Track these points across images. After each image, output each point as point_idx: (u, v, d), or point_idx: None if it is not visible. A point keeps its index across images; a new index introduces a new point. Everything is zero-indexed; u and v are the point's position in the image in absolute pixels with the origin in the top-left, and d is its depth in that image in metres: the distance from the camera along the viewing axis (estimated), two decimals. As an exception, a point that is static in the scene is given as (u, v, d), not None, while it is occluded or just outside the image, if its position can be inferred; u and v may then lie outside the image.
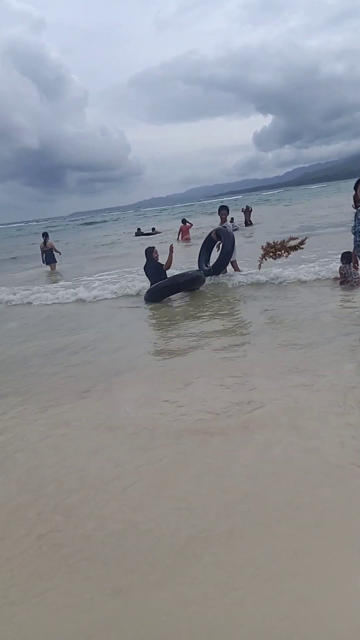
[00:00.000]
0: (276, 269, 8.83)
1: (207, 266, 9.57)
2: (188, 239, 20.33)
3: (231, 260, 9.36)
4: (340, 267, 7.46)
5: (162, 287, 7.93)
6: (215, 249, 9.60)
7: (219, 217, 10.12)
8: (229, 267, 9.54)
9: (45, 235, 15.87)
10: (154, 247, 8.84)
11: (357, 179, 5.26)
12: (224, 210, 10.00)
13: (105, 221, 68.25)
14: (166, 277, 8.27)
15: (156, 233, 28.39)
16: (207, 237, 9.71)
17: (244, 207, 23.83)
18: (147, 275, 8.70)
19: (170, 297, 8.13)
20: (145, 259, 8.66)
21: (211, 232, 9.65)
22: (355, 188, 5.03)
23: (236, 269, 9.59)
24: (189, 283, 7.99)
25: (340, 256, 7.48)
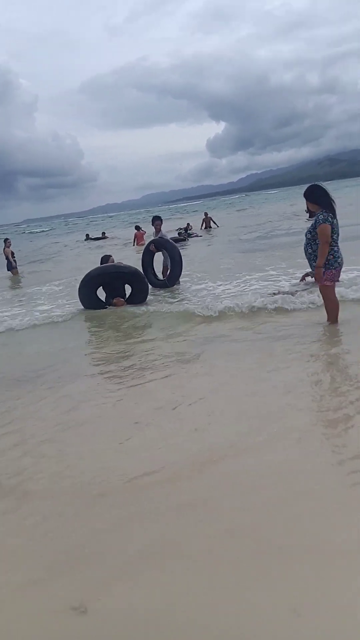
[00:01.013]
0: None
1: (157, 278, 9.19)
2: (143, 245, 19.92)
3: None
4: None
5: (97, 274, 7.72)
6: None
7: (153, 227, 9.86)
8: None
9: (6, 240, 15.77)
10: (110, 256, 8.42)
11: (306, 186, 5.02)
12: (157, 220, 9.75)
13: (51, 229, 66.41)
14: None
15: (105, 237, 28.24)
16: (145, 249, 9.31)
17: (204, 214, 25.14)
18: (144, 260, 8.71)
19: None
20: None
21: (149, 244, 9.29)
22: (306, 198, 4.89)
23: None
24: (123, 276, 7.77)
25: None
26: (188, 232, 21.86)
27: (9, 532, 2.32)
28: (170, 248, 9.00)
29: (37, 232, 62.68)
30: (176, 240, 19.85)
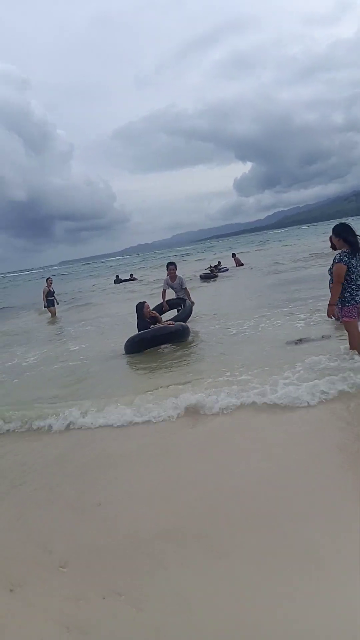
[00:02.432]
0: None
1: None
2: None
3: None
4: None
5: (140, 339, 7.34)
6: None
7: (167, 271, 9.71)
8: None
9: (48, 279, 16.32)
10: (144, 303, 8.10)
11: (335, 223, 5.26)
12: (171, 266, 9.61)
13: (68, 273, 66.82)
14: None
15: (134, 279, 28.22)
16: (158, 305, 9.23)
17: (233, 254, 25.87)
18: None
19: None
20: (137, 317, 7.95)
21: (161, 305, 9.18)
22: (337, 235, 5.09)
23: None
24: (170, 336, 7.33)
25: None
26: (219, 268, 22.63)
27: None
28: (183, 309, 8.90)
29: (68, 274, 64.11)
30: (207, 276, 20.61)
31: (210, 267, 22.74)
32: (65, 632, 1.91)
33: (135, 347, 7.35)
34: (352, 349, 5.20)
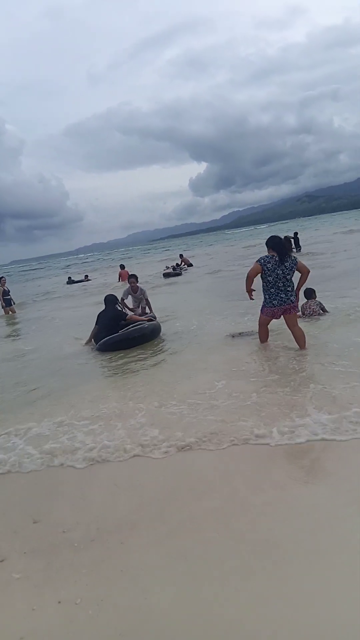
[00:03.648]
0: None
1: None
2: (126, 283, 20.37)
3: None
4: (303, 303, 7.69)
5: (116, 340, 7.43)
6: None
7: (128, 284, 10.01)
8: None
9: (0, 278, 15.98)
10: (114, 296, 8.34)
11: (288, 221, 5.76)
12: (132, 278, 9.91)
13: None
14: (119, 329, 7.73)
15: (88, 280, 27.92)
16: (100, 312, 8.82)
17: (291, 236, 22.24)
18: (97, 322, 8.10)
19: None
20: (104, 306, 8.17)
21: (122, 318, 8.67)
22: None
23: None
24: (144, 337, 7.52)
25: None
26: (180, 267, 23.40)
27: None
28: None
29: (25, 272, 62.83)
30: (174, 274, 20.95)
31: (171, 266, 23.16)
32: (18, 641, 1.89)
33: (110, 348, 7.37)
34: (261, 341, 6.22)
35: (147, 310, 9.58)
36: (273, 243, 5.81)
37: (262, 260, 5.75)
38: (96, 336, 7.89)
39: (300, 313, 7.52)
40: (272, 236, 5.97)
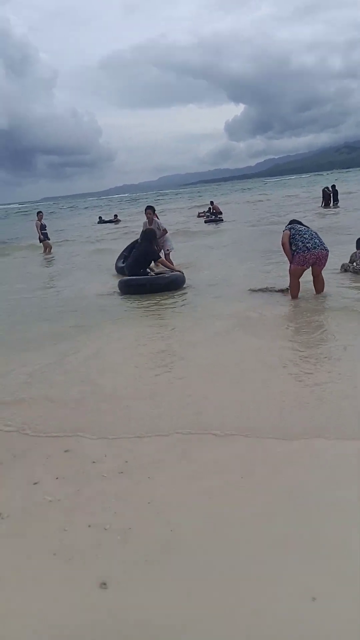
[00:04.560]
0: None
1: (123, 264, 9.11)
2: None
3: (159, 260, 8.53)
4: (353, 253, 7.45)
5: (139, 284, 7.49)
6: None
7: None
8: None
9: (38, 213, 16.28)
10: (154, 234, 8.19)
11: (325, 173, 5.70)
12: (149, 209, 9.61)
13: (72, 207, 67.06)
14: (146, 269, 7.87)
15: (118, 221, 28.46)
16: (134, 241, 9.29)
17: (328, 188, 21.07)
18: (127, 250, 8.19)
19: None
20: (140, 240, 8.07)
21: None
22: None
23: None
24: (169, 285, 7.49)
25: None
26: (211, 213, 22.30)
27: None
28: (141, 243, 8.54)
29: (61, 210, 62.68)
30: (214, 220, 20.25)
31: (204, 212, 22.64)
32: (51, 557, 2.01)
33: (131, 291, 7.45)
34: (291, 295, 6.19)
35: (167, 248, 9.37)
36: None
37: (289, 227, 6.20)
38: (127, 263, 8.00)
39: (349, 262, 7.38)
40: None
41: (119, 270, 9.09)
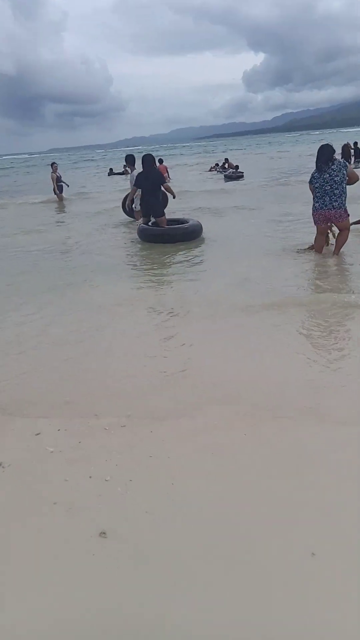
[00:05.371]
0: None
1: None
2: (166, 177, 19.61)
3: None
4: None
5: (157, 234, 7.66)
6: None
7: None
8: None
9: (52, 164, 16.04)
10: (152, 156, 8.06)
11: (345, 130, 5.36)
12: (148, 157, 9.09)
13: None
14: (160, 196, 8.00)
15: (127, 172, 28.26)
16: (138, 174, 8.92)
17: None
18: (137, 184, 7.82)
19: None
20: (142, 168, 7.87)
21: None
22: None
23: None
24: (186, 235, 7.64)
25: None
26: (229, 168, 21.49)
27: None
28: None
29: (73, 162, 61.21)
30: (235, 177, 19.30)
31: (221, 165, 21.81)
32: (52, 506, 2.02)
33: (148, 239, 7.68)
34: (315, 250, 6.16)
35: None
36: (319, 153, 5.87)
37: (311, 175, 5.99)
38: (142, 200, 7.91)
39: None
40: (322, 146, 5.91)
41: (128, 213, 9.77)
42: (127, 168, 28.95)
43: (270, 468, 2.21)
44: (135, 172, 9.12)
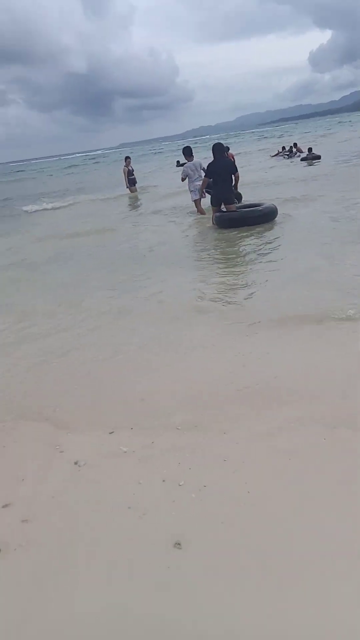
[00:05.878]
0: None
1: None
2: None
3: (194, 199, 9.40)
4: None
5: (232, 218, 7.83)
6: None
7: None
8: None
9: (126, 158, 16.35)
10: (222, 144, 8.35)
11: None
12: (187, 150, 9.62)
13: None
14: (232, 185, 8.19)
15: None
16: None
17: None
18: (208, 174, 8.04)
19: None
20: (213, 157, 7.98)
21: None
22: None
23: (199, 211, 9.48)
24: (262, 218, 7.76)
25: None
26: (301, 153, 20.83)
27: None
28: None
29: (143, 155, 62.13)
30: (311, 157, 18.53)
31: (288, 148, 21.19)
32: (126, 510, 1.99)
33: (226, 224, 7.83)
34: None
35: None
36: None
37: None
38: (214, 188, 8.06)
39: None
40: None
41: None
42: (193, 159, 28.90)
43: (352, 476, 2.03)
44: (191, 163, 9.22)
